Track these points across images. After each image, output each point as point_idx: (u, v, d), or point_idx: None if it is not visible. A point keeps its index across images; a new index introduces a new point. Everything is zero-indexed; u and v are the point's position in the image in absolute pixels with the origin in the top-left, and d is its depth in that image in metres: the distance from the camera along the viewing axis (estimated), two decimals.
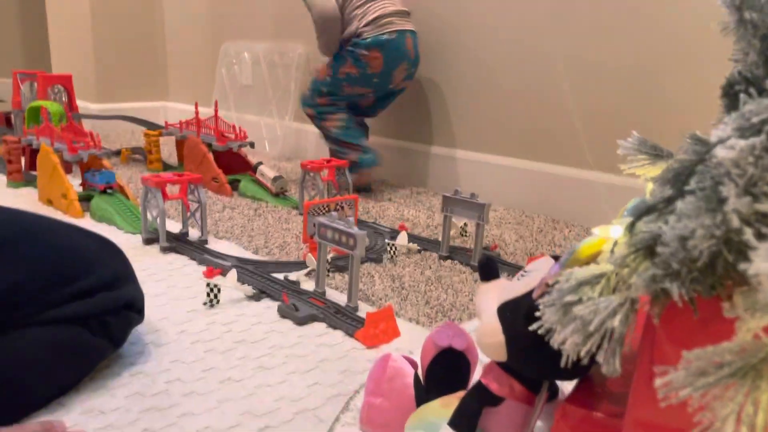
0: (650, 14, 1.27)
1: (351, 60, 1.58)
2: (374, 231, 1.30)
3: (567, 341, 0.37)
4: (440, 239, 1.18)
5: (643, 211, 0.37)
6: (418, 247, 1.19)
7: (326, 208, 1.12)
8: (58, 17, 2.77)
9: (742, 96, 0.34)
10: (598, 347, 0.36)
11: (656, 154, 0.52)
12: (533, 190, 1.50)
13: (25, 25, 3.85)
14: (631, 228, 0.38)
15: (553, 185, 1.46)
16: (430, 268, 1.10)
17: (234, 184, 1.63)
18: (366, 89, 1.62)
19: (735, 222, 0.29)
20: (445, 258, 1.15)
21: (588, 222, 1.40)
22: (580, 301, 0.37)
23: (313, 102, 1.66)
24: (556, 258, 0.49)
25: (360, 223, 1.32)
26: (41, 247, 0.67)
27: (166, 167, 1.88)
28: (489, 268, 0.54)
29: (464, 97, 1.63)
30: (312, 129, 2.06)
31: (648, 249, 0.36)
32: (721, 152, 0.31)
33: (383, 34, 1.55)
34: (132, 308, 0.74)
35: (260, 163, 1.66)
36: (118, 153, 2.03)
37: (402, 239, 1.18)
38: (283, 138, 2.13)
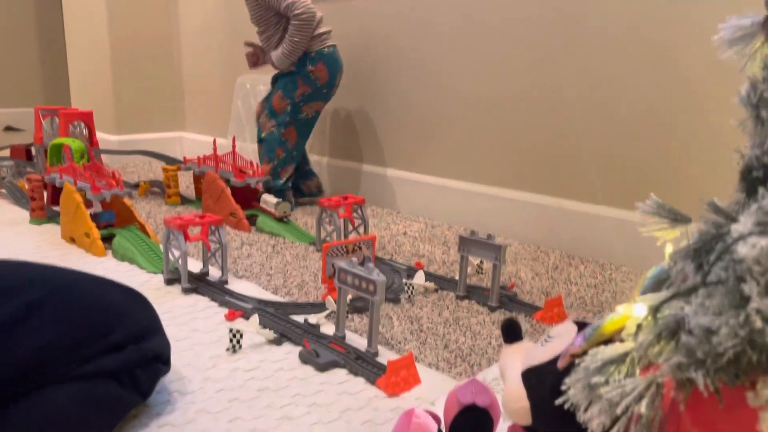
0: (662, 56, 1.29)
1: (301, 80, 1.78)
2: (391, 269, 1.31)
3: (593, 420, 0.38)
4: (457, 277, 1.19)
5: (664, 298, 0.38)
6: (435, 286, 1.20)
7: (344, 249, 1.14)
8: (77, 50, 2.83)
9: (761, 189, 0.35)
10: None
11: (674, 218, 0.53)
12: (548, 225, 1.51)
13: (44, 56, 3.93)
14: (654, 311, 0.39)
15: (568, 220, 1.47)
16: (448, 308, 1.11)
17: (251, 219, 1.66)
18: (321, 103, 1.83)
19: (758, 323, 0.30)
20: (462, 298, 1.16)
21: (602, 257, 1.40)
22: (606, 382, 0.38)
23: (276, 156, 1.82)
24: (579, 325, 0.51)
25: (377, 260, 1.33)
26: (75, 305, 0.69)
27: (184, 201, 1.91)
28: (513, 330, 0.55)
29: (478, 132, 1.65)
30: (329, 162, 2.10)
31: (672, 333, 0.37)
32: (743, 250, 0.32)
33: (324, 47, 1.77)
34: (159, 359, 0.76)
35: (263, 192, 1.71)
36: (136, 186, 2.06)
37: (419, 278, 1.19)
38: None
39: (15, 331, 0.62)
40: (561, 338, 0.50)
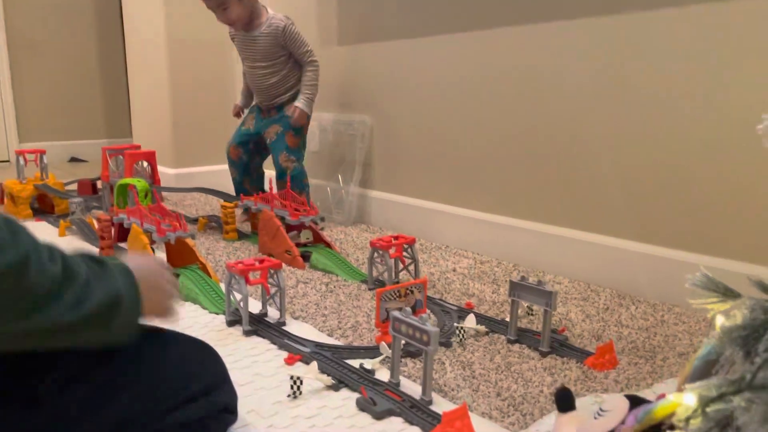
0: (718, 94, 1.29)
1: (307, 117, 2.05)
2: (442, 309, 1.34)
3: None
4: (507, 319, 1.22)
5: (713, 395, 0.41)
6: (486, 329, 1.22)
7: (397, 294, 1.18)
8: (139, 86, 2.98)
9: None
10: None
11: (724, 293, 0.55)
12: (598, 263, 1.52)
13: (107, 90, 4.14)
14: (704, 404, 0.41)
15: (618, 258, 1.47)
16: (499, 353, 1.14)
17: (305, 256, 1.71)
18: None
19: None
20: (514, 341, 1.18)
21: (654, 297, 1.40)
22: None
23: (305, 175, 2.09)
24: (631, 400, 0.53)
25: (428, 300, 1.36)
26: (155, 363, 0.74)
27: (241, 236, 1.99)
28: (566, 401, 0.58)
29: (526, 168, 1.67)
30: (377, 195, 2.15)
31: (722, 427, 0.40)
32: None
33: None
34: (228, 409, 0.81)
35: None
36: (195, 221, 2.16)
37: (470, 321, 1.22)
38: (348, 203, 2.22)
39: (102, 391, 0.68)
40: (614, 414, 0.52)
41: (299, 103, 2.00)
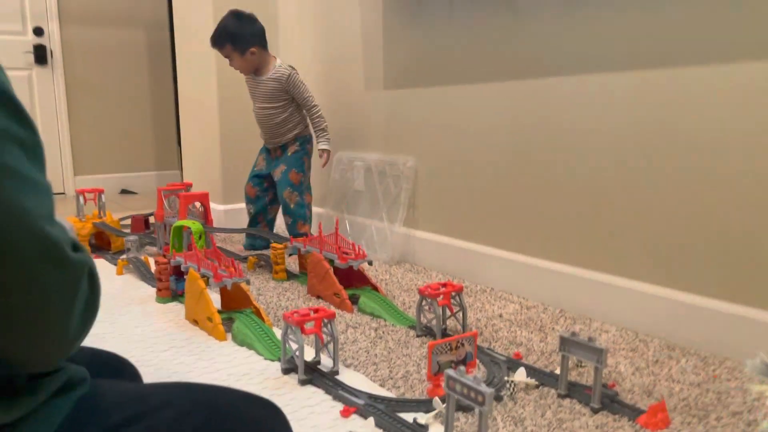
0: None
1: (305, 156, 2.36)
2: (491, 360, 1.36)
3: None
4: (556, 372, 1.23)
5: None
6: (536, 383, 1.24)
7: (448, 347, 1.20)
8: (189, 122, 3.10)
9: None
10: None
11: None
12: (647, 312, 1.52)
13: (157, 124, 4.30)
14: None
15: (669, 308, 1.47)
16: (550, 408, 1.15)
17: (353, 298, 1.75)
18: None
19: None
20: (564, 396, 1.19)
21: (705, 350, 1.39)
22: None
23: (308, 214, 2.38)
24: None
25: (477, 350, 1.39)
26: (228, 427, 0.78)
27: (290, 276, 2.04)
28: None
29: (572, 213, 1.69)
30: (421, 235, 2.18)
31: None
32: None
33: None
34: None
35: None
36: (245, 259, 2.22)
37: (520, 374, 1.23)
38: (392, 243, 2.26)
39: None
40: None
41: (324, 145, 2.31)
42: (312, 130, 2.36)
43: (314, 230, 2.56)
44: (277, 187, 2.37)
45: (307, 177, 2.38)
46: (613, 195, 1.58)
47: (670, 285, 1.48)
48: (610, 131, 1.58)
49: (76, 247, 0.54)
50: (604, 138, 1.59)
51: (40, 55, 3.81)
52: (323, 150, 2.31)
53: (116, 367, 0.94)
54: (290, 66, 2.31)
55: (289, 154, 2.35)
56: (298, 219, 2.33)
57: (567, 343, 1.19)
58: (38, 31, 3.80)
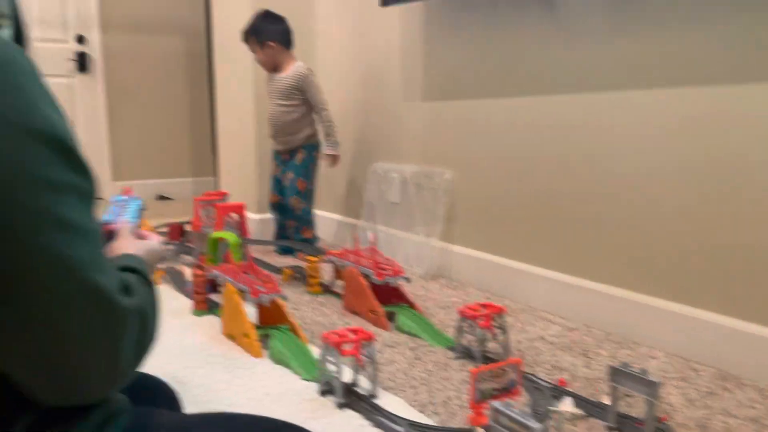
0: None
1: (312, 164, 2.44)
2: (534, 386, 1.31)
3: None
4: (604, 401, 1.18)
5: None
6: (584, 413, 1.19)
7: (491, 374, 1.16)
8: (226, 131, 3.11)
9: None
10: None
11: None
12: (698, 339, 1.45)
13: (194, 130, 4.34)
14: None
15: (721, 336, 1.41)
16: None
17: (389, 315, 1.72)
18: None
19: None
20: (613, 429, 1.14)
21: (762, 380, 1.32)
22: None
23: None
24: None
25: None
26: None
27: (325, 290, 2.02)
28: None
29: (623, 233, 1.63)
30: (458, 249, 2.14)
31: None
32: None
33: None
34: None
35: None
36: (280, 271, 2.21)
37: (567, 405, 1.19)
38: (429, 257, 2.22)
39: None
40: None
41: (330, 150, 2.41)
42: (320, 135, 2.45)
43: (326, 234, 2.75)
44: (286, 194, 2.47)
45: (313, 184, 2.49)
46: (664, 215, 1.52)
47: (723, 311, 1.42)
48: (659, 150, 1.52)
49: (127, 289, 0.55)
50: (653, 157, 1.53)
51: (82, 63, 3.87)
52: (328, 154, 2.42)
53: (156, 391, 0.93)
54: (308, 68, 2.41)
55: (297, 162, 2.43)
56: (303, 225, 2.45)
57: (617, 374, 1.14)
58: (80, 39, 3.87)
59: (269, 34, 2.35)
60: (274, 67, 2.40)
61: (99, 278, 0.51)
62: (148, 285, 0.63)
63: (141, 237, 0.84)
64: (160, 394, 0.92)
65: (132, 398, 0.67)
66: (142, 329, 0.58)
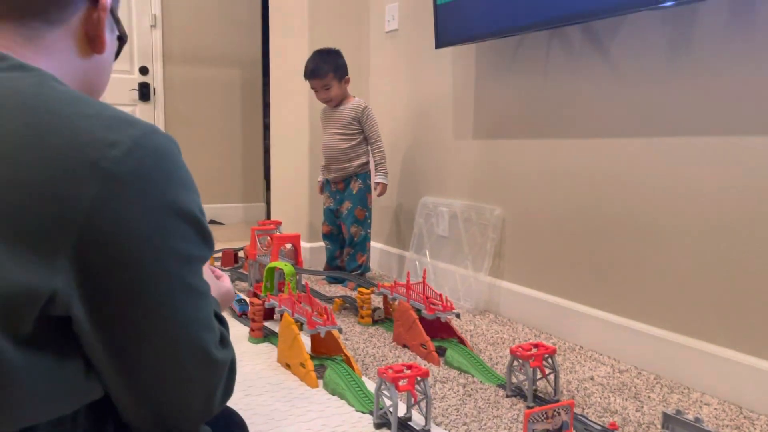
0: None
1: (368, 193, 2.55)
2: (585, 428, 1.33)
3: None
4: None
5: None
6: None
7: (544, 416, 1.19)
8: (279, 160, 3.22)
9: None
10: None
11: None
12: (752, 386, 1.44)
13: (246, 159, 4.48)
14: None
15: None
16: None
17: (439, 350, 1.76)
18: None
19: None
20: None
21: None
22: None
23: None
24: None
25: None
26: None
27: (375, 322, 2.07)
28: None
29: (673, 275, 1.64)
30: (506, 285, 2.17)
31: None
32: None
33: None
34: None
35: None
36: (331, 300, 2.27)
37: None
38: (477, 292, 2.25)
39: None
40: None
41: (380, 179, 2.51)
42: (371, 165, 2.58)
43: (374, 264, 2.83)
44: (343, 221, 2.56)
45: (370, 211, 2.59)
46: (719, 261, 1.53)
47: None
48: (715, 192, 1.53)
49: (223, 341, 0.63)
50: (708, 198, 1.55)
51: (144, 93, 4.07)
52: (378, 183, 2.52)
53: (228, 419, 0.99)
54: (366, 104, 2.58)
55: (354, 191, 2.53)
56: (359, 251, 2.54)
57: (671, 421, 1.15)
58: (143, 70, 4.08)
59: (346, 70, 2.50)
60: (338, 103, 2.52)
61: (206, 336, 0.59)
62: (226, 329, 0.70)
63: (217, 277, 0.91)
64: (232, 422, 0.99)
65: (209, 425, 0.73)
66: (230, 376, 0.65)
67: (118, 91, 3.95)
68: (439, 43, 2.25)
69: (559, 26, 1.85)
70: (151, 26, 4.07)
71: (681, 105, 1.60)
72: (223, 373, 0.62)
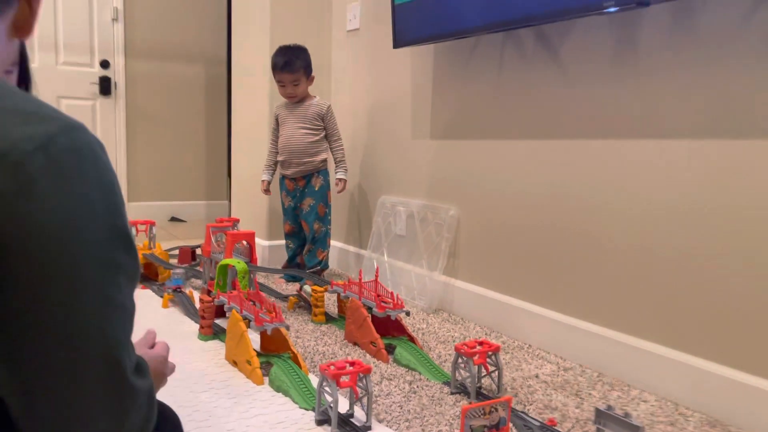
0: None
1: (328, 190, 2.54)
2: (524, 424, 1.35)
3: None
4: None
5: None
6: None
7: (482, 411, 1.20)
8: (240, 158, 3.20)
9: None
10: None
11: None
12: (688, 385, 1.48)
13: (209, 156, 4.44)
14: None
15: (711, 383, 1.44)
16: None
17: (389, 348, 1.77)
18: None
19: None
20: None
21: (748, 429, 1.35)
22: None
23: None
24: None
25: (512, 413, 1.38)
26: None
27: (329, 319, 2.07)
28: None
29: (619, 277, 1.68)
30: (460, 285, 2.19)
31: None
32: None
33: None
34: None
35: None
36: (286, 298, 2.27)
37: None
38: (431, 290, 2.27)
39: None
40: None
41: (341, 175, 2.52)
42: (331, 163, 2.58)
43: (332, 263, 2.82)
44: (304, 218, 2.53)
45: (330, 208, 2.58)
46: (661, 262, 1.57)
47: (715, 359, 1.45)
48: (657, 196, 1.57)
49: (140, 370, 0.59)
50: (650, 203, 1.58)
51: (105, 87, 4.00)
52: (340, 179, 2.52)
53: (160, 415, 0.98)
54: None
55: (316, 188, 2.51)
56: (319, 247, 2.52)
57: (603, 417, 1.17)
58: (105, 64, 4.01)
59: (311, 67, 2.49)
60: (301, 100, 2.52)
61: (122, 354, 0.54)
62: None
63: (151, 346, 0.88)
64: (163, 418, 0.98)
65: None
66: (149, 405, 0.60)
67: (77, 85, 3.88)
68: (397, 43, 2.26)
69: (512, 28, 1.87)
70: (113, 19, 4.00)
71: (625, 108, 1.63)
72: (137, 401, 0.57)
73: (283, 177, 2.57)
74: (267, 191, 2.63)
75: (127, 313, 0.56)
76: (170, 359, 0.91)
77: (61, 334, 0.51)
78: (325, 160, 2.54)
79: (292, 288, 2.50)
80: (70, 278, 0.50)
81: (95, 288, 0.52)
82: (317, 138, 2.49)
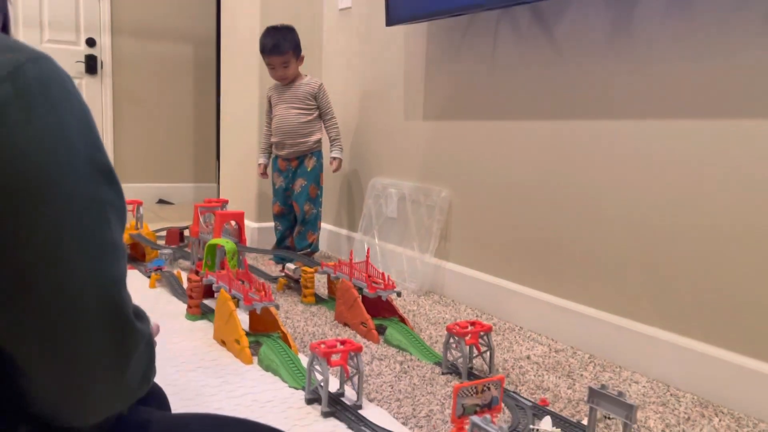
0: None
1: (319, 170, 2.49)
2: (516, 404, 1.34)
3: None
4: (583, 422, 1.21)
5: None
6: None
7: (474, 390, 1.19)
8: (229, 139, 3.16)
9: None
10: None
11: None
12: (680, 366, 1.48)
13: (198, 138, 4.39)
14: None
15: (702, 363, 1.44)
16: None
17: (380, 329, 1.75)
18: None
19: None
20: None
21: (739, 409, 1.35)
22: None
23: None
24: None
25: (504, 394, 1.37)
26: None
27: (319, 300, 2.05)
28: None
29: (611, 258, 1.67)
30: (451, 267, 2.18)
31: None
32: None
33: None
34: None
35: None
36: (275, 280, 2.24)
37: (546, 423, 1.21)
38: (422, 272, 2.25)
39: None
40: None
41: (336, 154, 2.49)
42: (325, 142, 2.55)
43: (323, 245, 2.79)
44: (295, 199, 2.48)
45: (322, 190, 2.55)
46: (656, 244, 1.56)
47: (706, 339, 1.45)
48: (651, 177, 1.56)
49: (139, 315, 0.57)
50: (645, 183, 1.57)
51: (91, 65, 3.94)
52: (335, 158, 2.49)
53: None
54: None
55: (309, 169, 2.47)
56: (309, 229, 2.49)
57: (596, 396, 1.16)
58: (91, 42, 3.93)
59: (301, 47, 2.45)
60: (292, 80, 2.47)
61: (123, 296, 0.52)
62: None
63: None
64: (149, 392, 0.95)
65: None
66: (149, 353, 0.59)
67: (62, 63, 3.71)
68: (390, 20, 2.22)
69: (508, 5, 1.85)
70: None
71: (621, 88, 1.62)
72: (138, 344, 0.55)
73: (277, 156, 2.53)
74: (264, 174, 2.59)
75: (119, 250, 0.53)
76: (159, 340, 0.87)
77: (51, 278, 0.48)
78: (319, 141, 2.50)
79: (279, 268, 2.47)
80: (51, 216, 0.47)
81: (81, 225, 0.49)
82: (310, 118, 2.46)
